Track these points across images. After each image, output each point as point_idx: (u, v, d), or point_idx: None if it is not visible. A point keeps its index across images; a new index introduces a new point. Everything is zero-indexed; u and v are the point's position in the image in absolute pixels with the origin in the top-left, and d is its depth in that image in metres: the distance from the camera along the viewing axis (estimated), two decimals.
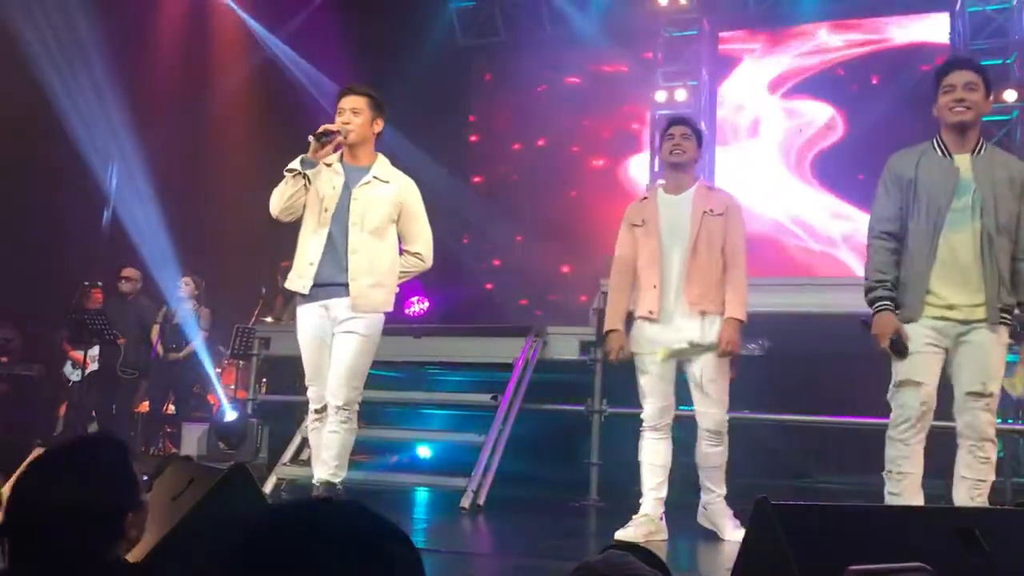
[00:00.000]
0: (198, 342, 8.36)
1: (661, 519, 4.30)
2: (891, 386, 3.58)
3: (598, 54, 11.28)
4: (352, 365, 4.08)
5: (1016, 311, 3.54)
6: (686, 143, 4.35)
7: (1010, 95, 8.77)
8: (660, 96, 10.09)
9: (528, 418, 6.25)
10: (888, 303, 3.56)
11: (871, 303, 3.62)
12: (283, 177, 4.14)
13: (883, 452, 3.61)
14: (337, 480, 4.17)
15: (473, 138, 12.21)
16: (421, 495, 6.29)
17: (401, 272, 4.28)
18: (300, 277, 4.12)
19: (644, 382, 4.31)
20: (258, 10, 11.05)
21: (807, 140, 10.34)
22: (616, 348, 4.31)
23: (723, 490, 4.35)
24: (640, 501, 4.32)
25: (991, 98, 3.69)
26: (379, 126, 4.23)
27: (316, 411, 4.18)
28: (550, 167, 11.66)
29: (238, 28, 11.16)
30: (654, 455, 4.29)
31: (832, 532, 2.26)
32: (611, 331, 4.34)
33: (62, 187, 9.19)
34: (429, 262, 4.35)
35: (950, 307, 3.49)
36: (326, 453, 4.12)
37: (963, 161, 3.56)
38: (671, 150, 4.36)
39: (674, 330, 4.20)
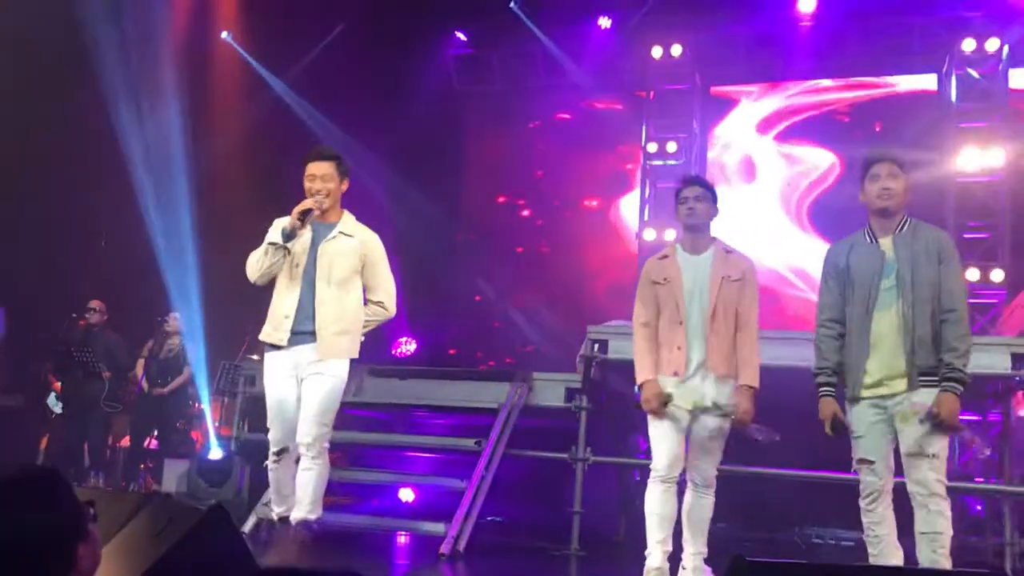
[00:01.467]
0: (184, 377, 8.35)
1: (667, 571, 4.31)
2: (854, 460, 3.89)
3: (592, 102, 11.44)
4: (321, 404, 4.30)
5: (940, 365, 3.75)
6: (699, 205, 4.39)
7: (995, 156, 8.91)
8: (652, 147, 10.22)
9: (511, 464, 6.23)
10: (829, 389, 3.91)
11: (816, 388, 3.96)
12: (265, 226, 4.39)
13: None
14: (313, 517, 4.34)
15: (467, 181, 12.31)
16: (401, 539, 6.25)
17: (365, 321, 4.50)
18: (276, 330, 4.35)
19: (656, 433, 4.31)
20: (259, 52, 11.17)
21: (807, 187, 10.43)
22: (655, 396, 4.24)
23: (705, 550, 4.32)
24: (646, 553, 4.28)
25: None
26: (345, 186, 4.48)
27: (275, 453, 4.39)
28: (543, 210, 11.76)
29: (239, 68, 11.29)
30: (662, 506, 4.26)
31: None
32: (647, 381, 4.31)
33: (54, 217, 9.21)
34: (392, 311, 4.57)
35: (879, 383, 3.80)
36: (301, 492, 4.29)
37: (887, 243, 3.91)
38: (686, 213, 4.41)
39: (694, 391, 4.24)
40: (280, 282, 4.40)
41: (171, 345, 8.46)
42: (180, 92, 9.95)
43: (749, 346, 4.28)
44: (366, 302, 4.52)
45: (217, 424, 8.98)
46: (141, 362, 8.42)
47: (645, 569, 4.25)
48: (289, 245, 4.32)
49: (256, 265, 4.37)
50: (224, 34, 11.25)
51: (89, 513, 1.81)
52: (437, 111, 11.30)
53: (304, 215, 4.29)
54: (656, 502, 4.26)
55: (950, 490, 3.77)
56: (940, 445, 3.70)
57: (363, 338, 4.51)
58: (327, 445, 4.38)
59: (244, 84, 11.22)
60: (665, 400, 4.22)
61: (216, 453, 7.73)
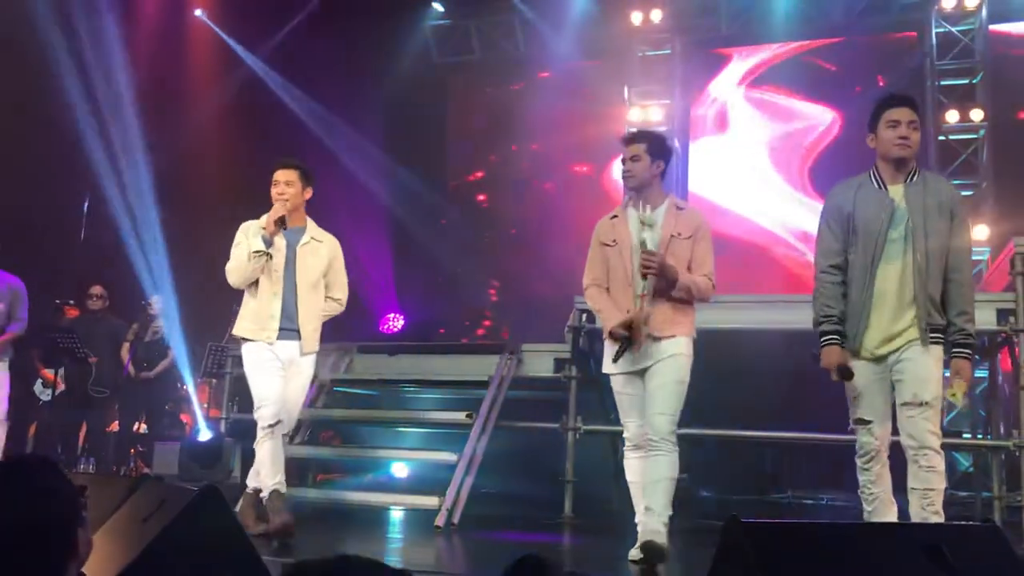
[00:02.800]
0: (168, 360, 8.31)
1: None
2: (851, 419, 3.77)
3: (572, 71, 11.37)
4: (301, 398, 5.00)
5: (951, 329, 3.67)
6: (635, 165, 4.21)
7: (976, 114, 8.92)
8: (633, 115, 10.18)
9: (503, 436, 6.25)
10: (834, 337, 3.73)
11: (819, 336, 3.78)
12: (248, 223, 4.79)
13: (855, 468, 3.78)
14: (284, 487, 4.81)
15: (449, 153, 12.24)
16: (395, 514, 6.26)
17: (323, 315, 4.99)
18: (263, 329, 4.76)
19: (621, 402, 4.24)
20: (236, 28, 11.03)
21: (806, 144, 10.39)
22: (620, 325, 4.03)
23: (663, 511, 4.04)
24: (636, 521, 4.23)
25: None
26: (309, 194, 4.93)
27: (270, 424, 4.72)
28: (527, 181, 11.71)
29: (216, 46, 11.14)
30: (642, 473, 4.20)
31: (802, 550, 2.29)
32: (612, 330, 4.11)
33: (37, 204, 9.11)
34: (344, 306, 5.12)
35: (885, 340, 3.66)
36: (277, 466, 4.74)
37: (897, 192, 3.72)
38: (623, 175, 4.31)
39: (641, 354, 4.10)
40: (262, 284, 4.79)
41: (155, 328, 8.42)
42: (154, 72, 9.83)
43: (699, 279, 4.11)
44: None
45: (206, 405, 8.96)
46: (126, 346, 8.38)
47: (639, 535, 4.23)
48: (271, 251, 4.74)
49: (239, 272, 4.76)
50: (198, 12, 11.09)
51: (82, 500, 1.81)
52: (418, 83, 11.21)
53: (280, 222, 4.75)
54: (634, 471, 4.24)
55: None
56: (934, 394, 3.59)
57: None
58: None
59: (219, 63, 11.08)
60: (632, 323, 4.01)
61: (205, 435, 7.72)
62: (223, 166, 10.04)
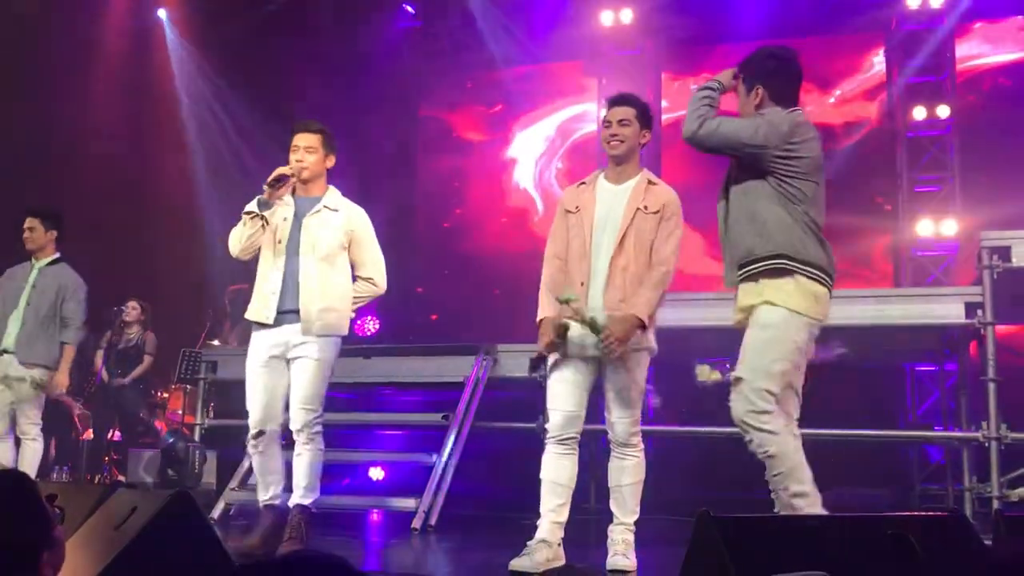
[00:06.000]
0: (144, 367, 8.24)
1: (559, 545, 3.82)
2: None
3: (543, 72, 11.39)
4: (307, 390, 4.24)
5: None
6: (623, 130, 3.89)
7: (943, 111, 9.03)
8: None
9: (479, 437, 6.25)
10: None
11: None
12: (241, 216, 4.29)
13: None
14: (308, 501, 4.28)
15: (420, 158, 12.22)
16: (373, 517, 6.25)
17: (355, 297, 4.43)
18: (264, 308, 4.26)
19: (554, 385, 3.88)
20: (195, 31, 10.92)
21: None
22: (549, 330, 3.81)
23: (630, 517, 3.88)
24: (536, 523, 3.88)
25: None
26: (331, 162, 4.41)
27: (253, 436, 4.28)
28: (498, 180, 11.72)
29: (178, 49, 11.04)
30: (556, 471, 3.82)
31: (773, 543, 2.31)
32: (543, 319, 3.87)
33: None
34: (382, 287, 4.50)
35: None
36: (296, 477, 4.26)
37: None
38: (607, 140, 3.93)
39: (591, 333, 3.76)
40: (265, 258, 4.32)
41: (129, 335, 8.35)
42: (118, 74, 9.76)
43: (654, 280, 3.78)
44: (355, 278, 4.45)
45: (181, 412, 8.90)
46: (100, 353, 8.31)
47: (533, 540, 3.81)
48: (267, 215, 4.23)
49: (236, 237, 4.28)
50: (160, 12, 10.95)
51: (56, 515, 1.76)
52: (388, 85, 11.19)
53: (276, 182, 4.18)
54: (549, 467, 3.84)
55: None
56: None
57: (353, 314, 4.45)
58: (319, 428, 4.30)
59: (183, 67, 10.96)
60: (561, 330, 3.77)
61: (175, 441, 7.68)
62: (190, 169, 9.98)
